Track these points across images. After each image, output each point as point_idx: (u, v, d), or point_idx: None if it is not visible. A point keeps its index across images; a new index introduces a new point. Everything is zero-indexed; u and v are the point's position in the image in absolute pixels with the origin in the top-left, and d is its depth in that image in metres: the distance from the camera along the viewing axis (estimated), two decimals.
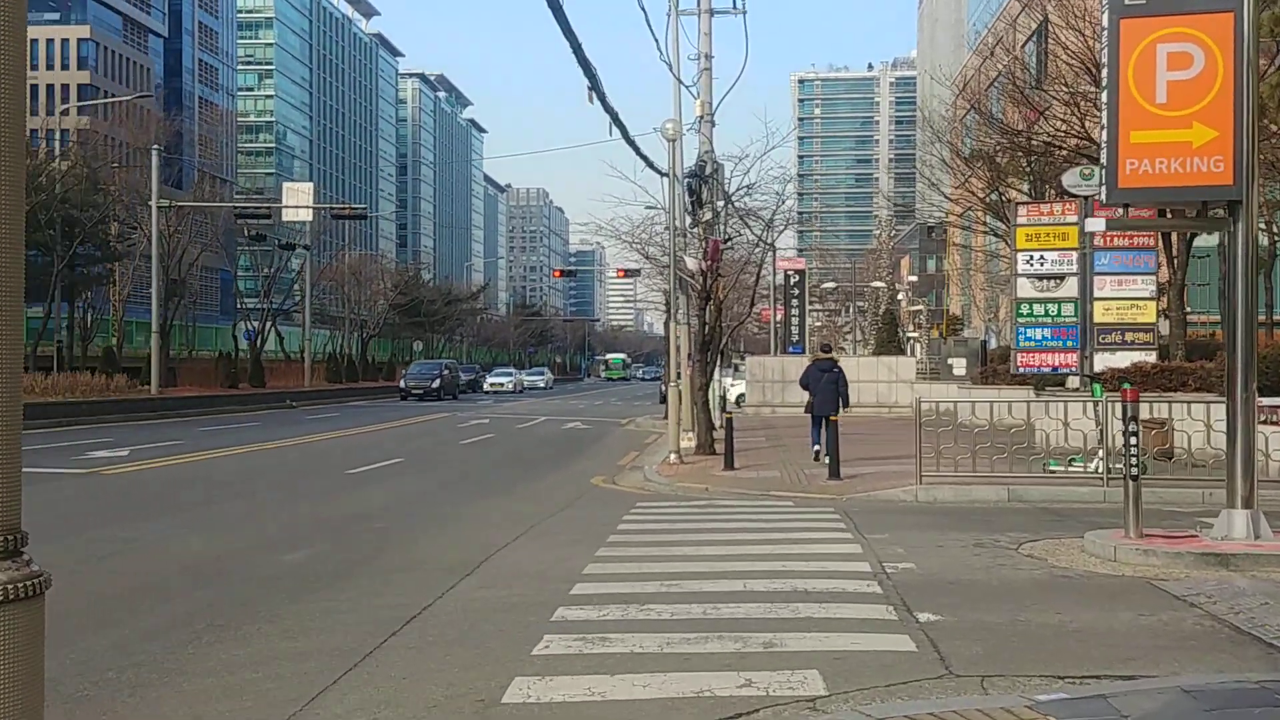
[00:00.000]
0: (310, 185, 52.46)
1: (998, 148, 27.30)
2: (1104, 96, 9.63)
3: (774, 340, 45.77)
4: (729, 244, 23.41)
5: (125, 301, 50.70)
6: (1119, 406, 14.47)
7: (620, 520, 12.59)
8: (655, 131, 19.77)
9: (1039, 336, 21.20)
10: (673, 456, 19.61)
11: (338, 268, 69.40)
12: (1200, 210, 9.70)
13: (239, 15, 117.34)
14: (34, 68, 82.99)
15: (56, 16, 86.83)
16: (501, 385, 67.61)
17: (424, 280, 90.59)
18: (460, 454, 23.60)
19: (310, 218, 48.66)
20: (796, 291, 46.58)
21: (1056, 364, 21.21)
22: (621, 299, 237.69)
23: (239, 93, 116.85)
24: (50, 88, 75.60)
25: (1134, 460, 9.73)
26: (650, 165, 20.72)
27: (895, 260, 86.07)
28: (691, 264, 20.46)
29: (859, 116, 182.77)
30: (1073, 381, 21.35)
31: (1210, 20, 9.26)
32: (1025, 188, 29.82)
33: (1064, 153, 23.71)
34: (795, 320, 46.67)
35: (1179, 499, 13.49)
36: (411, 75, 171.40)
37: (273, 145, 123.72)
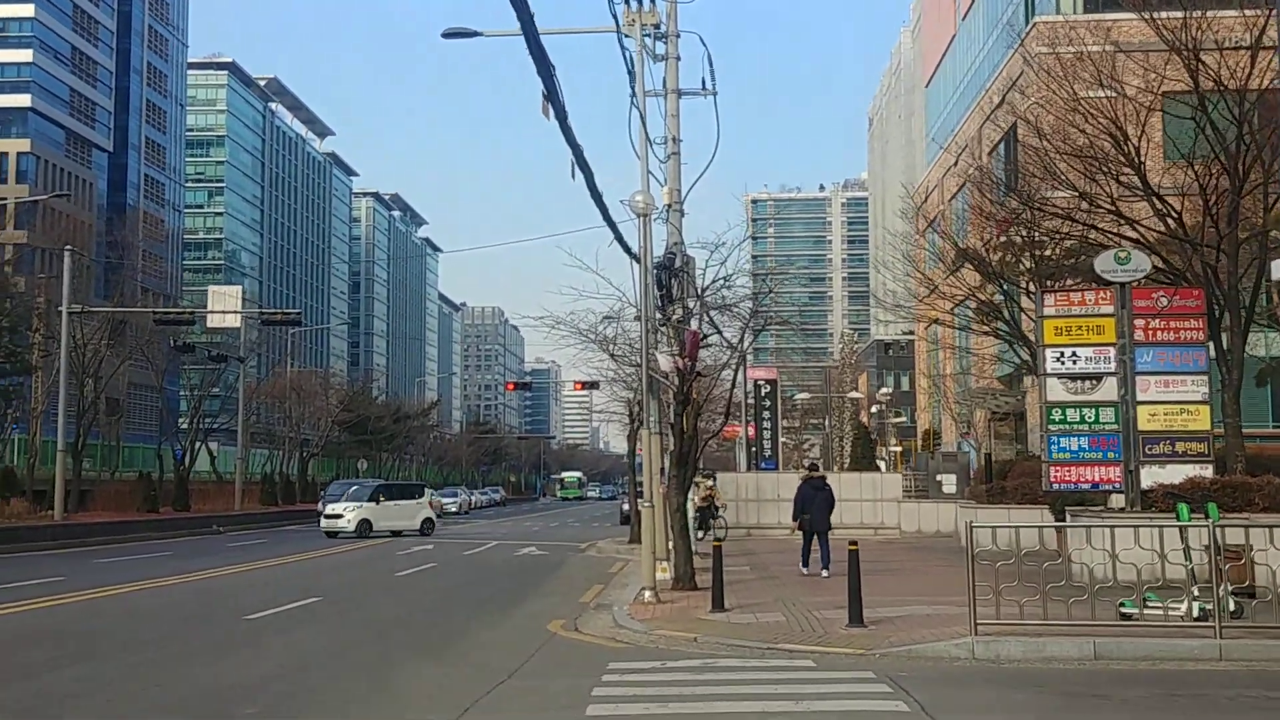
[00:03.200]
0: (238, 289, 49.27)
1: (1004, 230, 24.59)
2: None
3: (746, 455, 42.46)
4: (705, 341, 20.27)
5: (41, 418, 46.41)
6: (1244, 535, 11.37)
7: (589, 698, 9.14)
8: (623, 205, 16.77)
9: (1075, 447, 18.04)
10: (647, 594, 16.14)
11: (279, 383, 65.47)
12: None
13: (190, 134, 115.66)
14: None
15: None
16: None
17: (373, 396, 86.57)
18: (392, 590, 19.96)
19: (239, 324, 45.29)
20: (769, 403, 43.51)
21: (1097, 479, 18.04)
22: (578, 414, 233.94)
23: (188, 210, 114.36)
24: None
25: None
26: (618, 238, 17.61)
27: (855, 377, 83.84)
28: (665, 363, 17.27)
29: (812, 236, 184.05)
30: (1116, 500, 18.25)
31: None
32: (1023, 285, 27.13)
33: (1082, 232, 20.97)
34: (768, 433, 43.46)
35: None
36: (366, 194, 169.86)
37: (221, 262, 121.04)
